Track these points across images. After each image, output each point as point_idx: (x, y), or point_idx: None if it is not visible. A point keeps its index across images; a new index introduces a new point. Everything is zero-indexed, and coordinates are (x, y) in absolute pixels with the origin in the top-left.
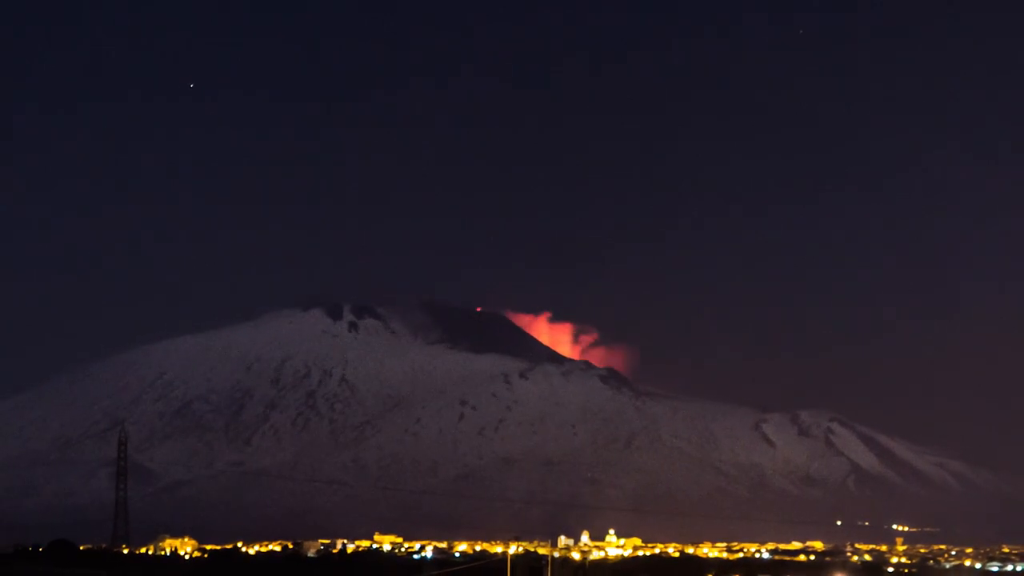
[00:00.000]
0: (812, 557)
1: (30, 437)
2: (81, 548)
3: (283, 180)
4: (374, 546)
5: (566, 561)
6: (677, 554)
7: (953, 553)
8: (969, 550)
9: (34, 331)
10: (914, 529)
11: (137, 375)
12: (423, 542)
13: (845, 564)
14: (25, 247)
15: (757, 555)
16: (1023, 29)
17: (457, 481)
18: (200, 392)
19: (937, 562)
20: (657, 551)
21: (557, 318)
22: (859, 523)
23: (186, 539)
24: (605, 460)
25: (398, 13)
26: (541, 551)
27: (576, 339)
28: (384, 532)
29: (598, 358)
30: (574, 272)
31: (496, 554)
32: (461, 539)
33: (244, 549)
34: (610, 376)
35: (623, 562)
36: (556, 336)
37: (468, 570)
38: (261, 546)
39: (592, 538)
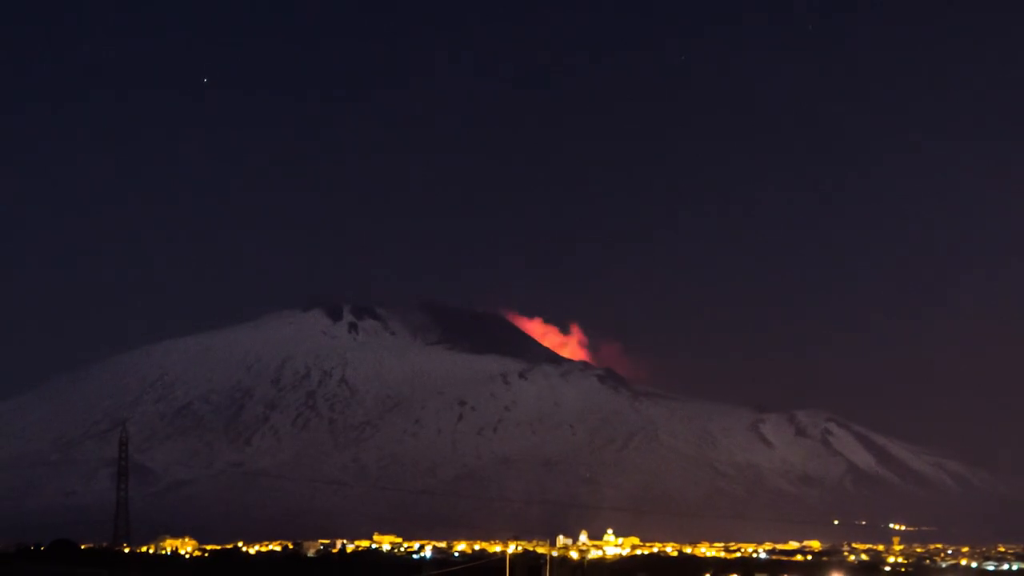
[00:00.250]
0: (809, 556)
1: (31, 437)
2: (82, 547)
3: (283, 181)
4: (374, 546)
5: (565, 560)
6: (675, 553)
7: (950, 552)
8: (965, 549)
9: (35, 331)
10: (911, 529)
11: (138, 375)
12: (422, 542)
13: (842, 563)
14: (26, 247)
15: (754, 554)
16: (1020, 30)
17: (456, 481)
18: (200, 392)
19: (934, 561)
20: (655, 550)
21: (555, 319)
22: (856, 523)
23: (186, 539)
24: (603, 460)
25: (398, 13)
26: (540, 550)
27: (574, 340)
28: (383, 532)
29: (596, 358)
30: (573, 273)
31: (495, 554)
32: (460, 539)
33: (244, 549)
34: (608, 376)
35: (621, 561)
36: (554, 337)
37: (467, 570)
38: (261, 546)
39: (590, 537)
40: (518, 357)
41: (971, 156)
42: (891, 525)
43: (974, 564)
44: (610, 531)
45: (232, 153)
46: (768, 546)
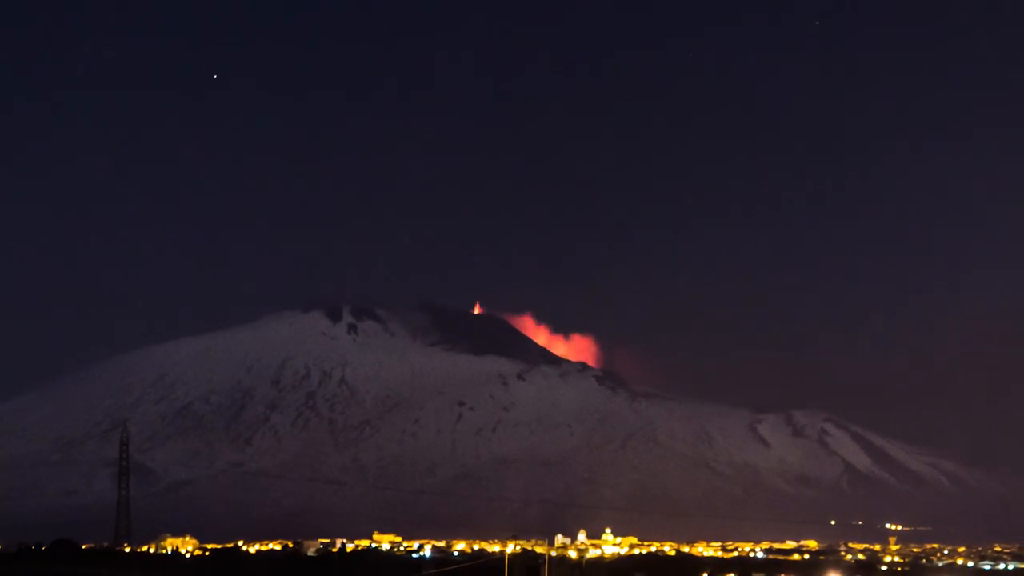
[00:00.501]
0: (806, 556)
1: (33, 437)
2: (83, 547)
3: (283, 181)
4: (373, 545)
5: (563, 560)
6: (673, 553)
7: (946, 552)
8: (962, 549)
9: (36, 332)
10: (907, 528)
11: (139, 376)
12: (422, 541)
13: (839, 563)
14: (26, 247)
15: (752, 554)
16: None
17: (455, 481)
18: (201, 393)
19: (930, 561)
20: (653, 550)
21: (554, 320)
22: (853, 522)
23: (187, 538)
24: (601, 460)
25: (398, 13)
26: (538, 550)
27: (572, 340)
28: (383, 531)
29: (594, 359)
30: (571, 274)
31: (494, 553)
32: (459, 538)
33: (244, 548)
34: (606, 377)
35: (619, 561)
36: (553, 338)
37: (466, 569)
38: (261, 545)
39: (589, 537)
40: (517, 358)
41: (968, 158)
42: (888, 525)
43: (970, 564)
44: (608, 531)
45: (232, 154)
46: (765, 545)
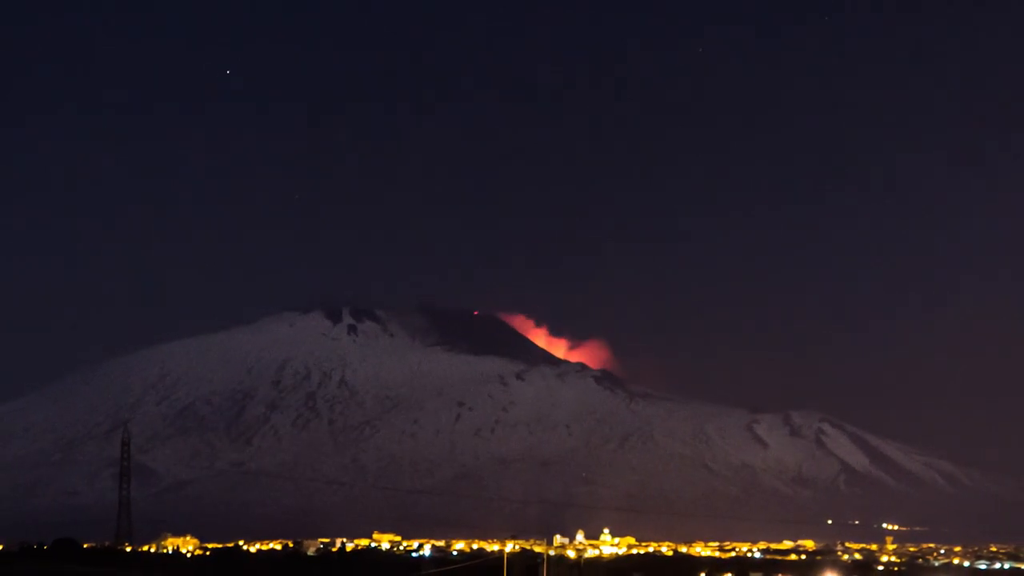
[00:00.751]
0: (803, 556)
1: (35, 438)
2: (85, 547)
3: (284, 183)
4: (373, 545)
5: (561, 559)
6: (670, 553)
7: (942, 552)
8: (958, 549)
9: (38, 334)
10: (904, 528)
11: (140, 377)
12: (421, 541)
13: (836, 563)
14: (28, 250)
15: (749, 554)
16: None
17: (454, 481)
18: (202, 393)
19: (926, 560)
20: (651, 550)
21: (553, 320)
22: (849, 522)
23: (188, 538)
24: (600, 460)
25: (397, 15)
26: (537, 549)
27: (571, 341)
28: (383, 531)
29: (593, 360)
30: (570, 275)
31: (493, 552)
32: (458, 538)
33: (245, 548)
34: (604, 377)
35: (617, 560)
36: (551, 338)
37: (465, 568)
38: (262, 544)
39: (587, 537)
40: (515, 358)
41: (962, 158)
42: (884, 525)
43: (966, 563)
44: (606, 530)
45: (233, 155)
46: (762, 545)
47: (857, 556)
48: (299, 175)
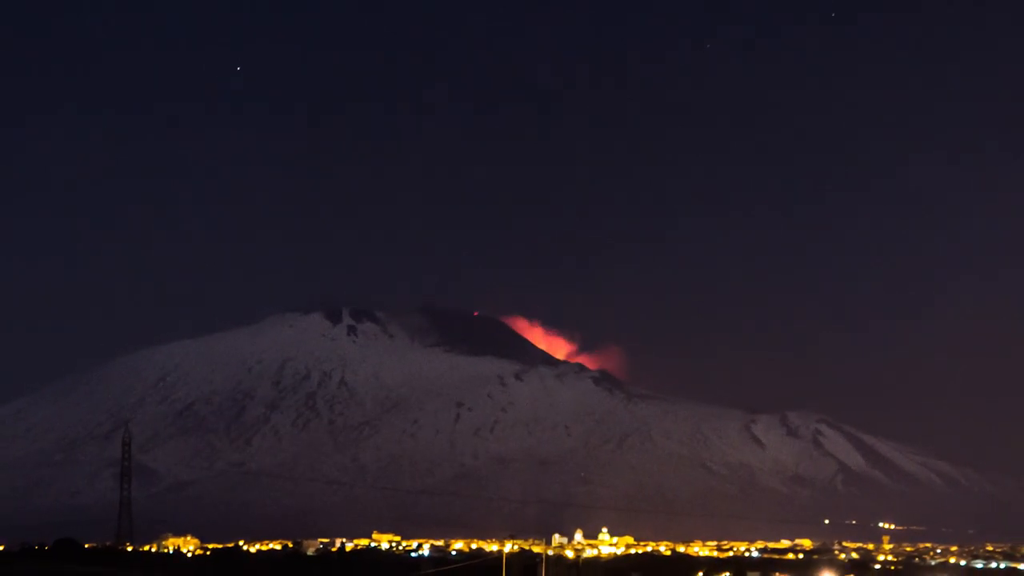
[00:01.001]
0: (800, 555)
1: (36, 438)
2: (86, 547)
3: (284, 184)
4: (372, 544)
5: (560, 559)
6: (668, 552)
7: (938, 551)
8: (954, 548)
9: (39, 335)
10: (900, 527)
11: (141, 377)
12: (420, 540)
13: (832, 562)
14: (30, 251)
15: (747, 553)
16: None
17: (454, 481)
18: (202, 394)
19: (923, 560)
20: (649, 549)
21: (551, 321)
22: (846, 522)
23: (188, 537)
24: (598, 460)
25: (396, 17)
26: (536, 549)
27: (570, 342)
28: (382, 531)
29: (591, 360)
30: (568, 275)
31: (492, 552)
32: (457, 537)
33: (245, 547)
34: (603, 378)
35: (616, 560)
36: (550, 339)
37: (464, 568)
38: (262, 544)
39: (585, 536)
40: (514, 359)
41: (957, 159)
42: (881, 524)
43: (962, 562)
44: (605, 530)
45: (234, 157)
46: (760, 545)
47: (854, 555)
48: (299, 175)
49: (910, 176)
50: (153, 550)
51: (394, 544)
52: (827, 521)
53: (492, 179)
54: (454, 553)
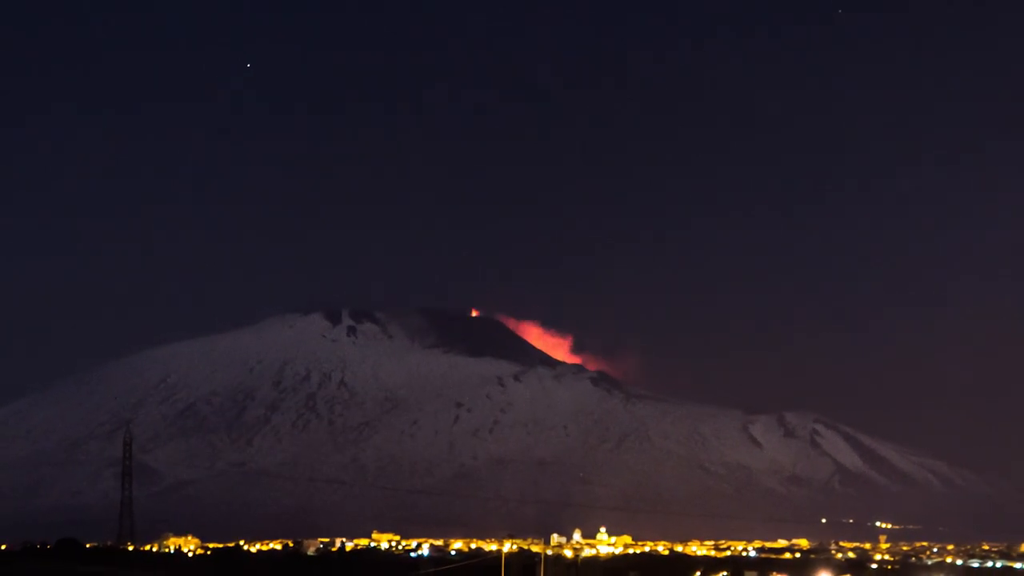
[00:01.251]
0: (798, 555)
1: (38, 438)
2: (87, 546)
3: (284, 185)
4: (372, 544)
5: (559, 559)
6: (666, 552)
7: (935, 550)
8: (951, 547)
9: (41, 335)
10: (897, 527)
11: (142, 378)
12: (420, 540)
13: (829, 561)
14: (29, 250)
15: (744, 553)
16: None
17: (453, 481)
18: (203, 394)
19: (919, 559)
20: (647, 549)
21: (550, 322)
22: (843, 521)
23: (189, 537)
24: (596, 460)
25: (396, 17)
26: (534, 549)
27: (568, 342)
28: (382, 530)
29: (590, 361)
30: (567, 276)
31: (491, 552)
32: (457, 537)
33: (246, 547)
34: (601, 379)
35: (614, 560)
36: (549, 340)
37: (463, 568)
38: (262, 544)
39: (584, 536)
40: (513, 360)
41: (955, 161)
42: (878, 524)
43: (959, 562)
44: (603, 530)
45: (234, 157)
46: (757, 544)
47: (851, 555)
48: (299, 175)
49: (910, 176)
50: (154, 550)
51: (394, 544)
52: (824, 521)
53: (492, 179)
54: (453, 553)
